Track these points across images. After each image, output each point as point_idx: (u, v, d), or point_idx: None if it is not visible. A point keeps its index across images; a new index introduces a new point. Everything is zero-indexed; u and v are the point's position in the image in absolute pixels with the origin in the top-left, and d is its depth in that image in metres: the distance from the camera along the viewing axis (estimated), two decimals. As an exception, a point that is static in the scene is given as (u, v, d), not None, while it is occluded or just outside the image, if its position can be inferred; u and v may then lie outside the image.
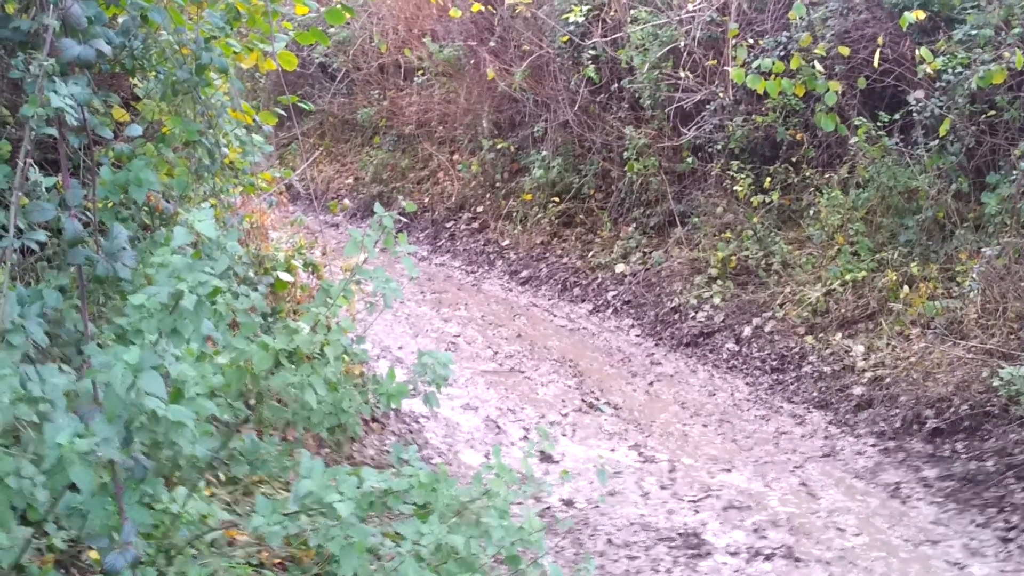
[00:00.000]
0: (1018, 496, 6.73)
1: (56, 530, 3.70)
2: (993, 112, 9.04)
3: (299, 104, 6.09)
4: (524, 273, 13.18)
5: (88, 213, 3.50)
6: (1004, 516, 6.60)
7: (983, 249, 8.55)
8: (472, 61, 15.49)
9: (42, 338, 3.03)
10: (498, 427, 8.32)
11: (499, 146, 15.07)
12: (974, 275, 8.39)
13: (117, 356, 2.68)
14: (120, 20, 4.12)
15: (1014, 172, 8.51)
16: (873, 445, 7.82)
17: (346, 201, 15.08)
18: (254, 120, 5.85)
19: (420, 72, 17.00)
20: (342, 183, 17.61)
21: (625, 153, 12.71)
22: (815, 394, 8.78)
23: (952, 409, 7.71)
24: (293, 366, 3.50)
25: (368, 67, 18.11)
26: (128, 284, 3.21)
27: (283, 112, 6.17)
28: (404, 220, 15.29)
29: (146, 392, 2.68)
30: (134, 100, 5.37)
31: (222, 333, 3.21)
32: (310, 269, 6.82)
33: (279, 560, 4.59)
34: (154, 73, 4.80)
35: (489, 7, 14.12)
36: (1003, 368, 7.30)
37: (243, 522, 4.04)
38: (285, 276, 6.05)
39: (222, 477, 4.86)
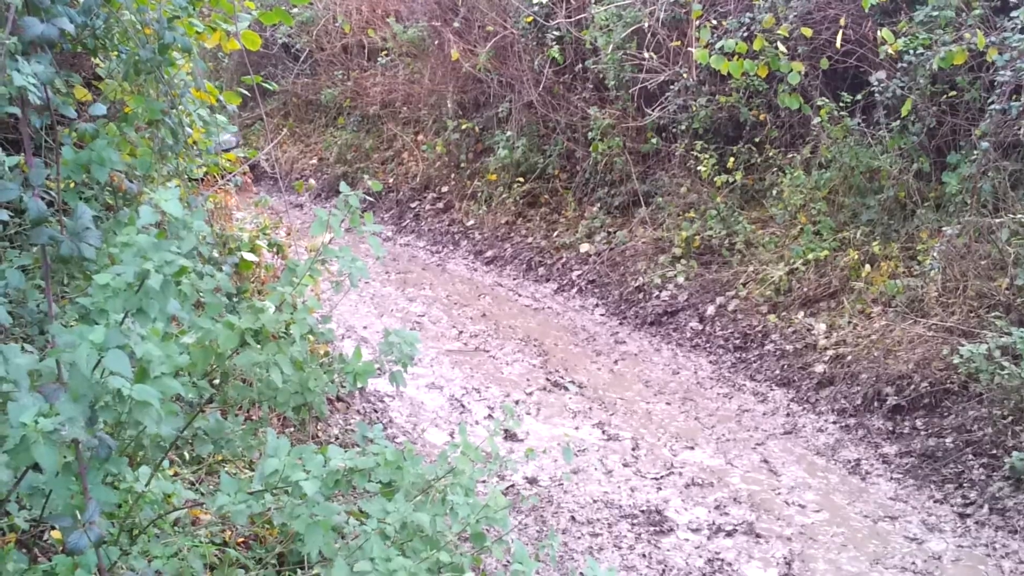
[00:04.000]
0: (976, 472, 6.82)
1: (18, 510, 3.69)
2: (954, 92, 9.12)
3: (263, 84, 6.07)
4: (489, 253, 13.19)
5: (51, 193, 3.49)
6: (962, 492, 6.70)
7: (944, 228, 8.63)
8: (436, 42, 15.46)
9: (5, 317, 3.01)
10: (463, 406, 8.35)
11: (464, 126, 15.07)
12: (935, 254, 8.48)
13: (82, 335, 2.68)
14: (81, -1, 4.09)
15: (974, 152, 8.59)
16: (834, 422, 7.90)
17: (311, 181, 15.04)
18: (218, 100, 5.83)
19: (384, 53, 16.96)
20: (306, 163, 17.57)
21: (589, 133, 12.74)
22: (777, 372, 8.85)
23: (912, 386, 7.80)
24: (259, 345, 3.50)
25: (332, 47, 18.04)
26: (92, 264, 3.20)
27: (247, 92, 6.15)
28: (369, 200, 15.28)
29: (111, 371, 2.68)
30: (96, 80, 5.33)
31: (187, 313, 3.21)
32: (274, 249, 6.81)
33: (243, 539, 4.60)
34: (116, 53, 4.77)
35: (453, -13, 14.11)
36: (963, 346, 7.39)
37: (207, 501, 4.04)
38: (250, 256, 6.04)
39: (186, 456, 4.86)
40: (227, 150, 7.20)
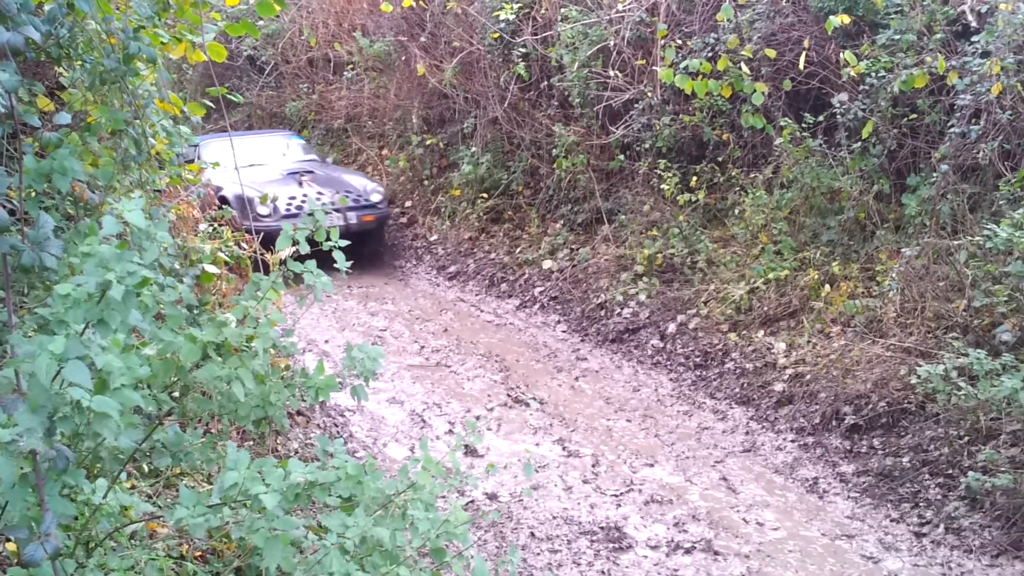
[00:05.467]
0: (932, 492, 6.88)
1: (-28, 522, 3.65)
2: (914, 115, 9.22)
3: (228, 96, 6.05)
4: (452, 268, 13.20)
5: (12, 202, 3.46)
6: (918, 511, 6.75)
7: (903, 249, 8.72)
8: (402, 56, 15.49)
9: (-38, 328, 2.99)
10: (424, 421, 8.34)
11: (428, 142, 15.10)
12: (894, 275, 8.56)
13: (42, 346, 2.66)
14: (46, 8, 4.07)
15: (934, 174, 8.69)
16: (792, 441, 7.94)
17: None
18: (182, 111, 5.81)
19: (350, 66, 16.98)
20: (270, 176, 17.52)
21: (554, 150, 12.80)
22: (737, 390, 8.90)
23: (870, 406, 7.85)
24: (221, 358, 3.49)
25: (297, 60, 18.05)
26: (53, 274, 3.18)
27: (211, 104, 6.13)
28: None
29: (71, 382, 2.66)
30: (59, 89, 5.31)
31: (148, 324, 3.20)
32: (236, 262, 6.78)
33: (200, 553, 4.57)
34: (80, 62, 4.75)
35: (420, 2, 14.13)
36: (920, 366, 7.45)
37: (164, 514, 4.01)
38: (211, 268, 6.01)
39: (144, 469, 4.83)
40: (189, 161, 7.19)
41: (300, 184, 13.54)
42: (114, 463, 3.57)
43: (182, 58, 5.62)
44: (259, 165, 14.24)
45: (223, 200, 12.11)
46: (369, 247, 13.97)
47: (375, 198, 13.76)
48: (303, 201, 12.92)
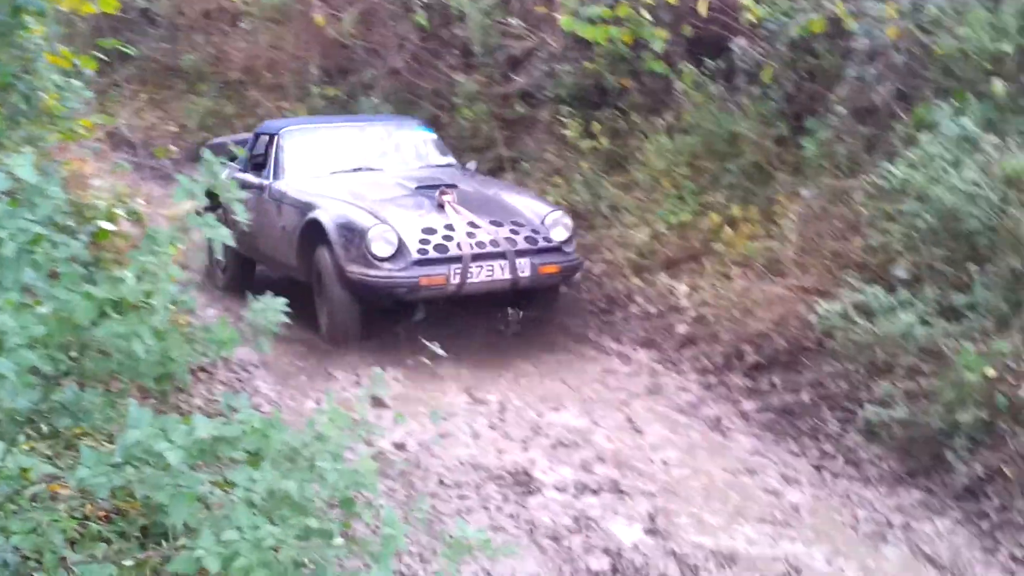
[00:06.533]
0: (831, 426, 7.04)
1: None
2: (813, 59, 9.32)
3: (120, 48, 5.93)
4: (356, 220, 13.08)
5: None
6: (818, 445, 6.91)
7: (801, 191, 8.84)
8: (299, 6, 15.25)
9: None
10: (329, 374, 8.30)
11: (329, 93, 14.91)
12: (792, 216, 8.68)
13: (-69, 307, 2.61)
14: (-76, -42, 3.95)
15: (831, 117, 8.80)
16: (696, 381, 8.06)
17: (172, 147, 14.72)
18: (73, 64, 5.68)
19: (248, 16, 16.68)
20: (166, 130, 17.16)
21: (455, 99, 12.73)
22: (641, 333, 8.98)
23: (771, 345, 7.99)
24: (119, 316, 3.43)
25: (192, 12, 17.67)
26: (-60, 233, 3.11)
27: (104, 57, 6.01)
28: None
29: (-37, 343, 2.62)
30: (-58, 43, 5.15)
31: (42, 282, 3.14)
32: (133, 218, 6.67)
33: (104, 513, 4.52)
34: (-36, 15, 4.62)
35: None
36: (819, 304, 7.58)
37: (66, 475, 3.96)
38: (107, 225, 5.91)
39: (43, 430, 4.76)
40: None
41: (440, 207, 8.92)
42: (11, 425, 3.51)
43: (72, 10, 5.48)
44: (369, 170, 10.03)
45: (314, 225, 8.80)
46: (536, 313, 9.53)
47: (559, 235, 9.03)
48: (448, 235, 8.60)
